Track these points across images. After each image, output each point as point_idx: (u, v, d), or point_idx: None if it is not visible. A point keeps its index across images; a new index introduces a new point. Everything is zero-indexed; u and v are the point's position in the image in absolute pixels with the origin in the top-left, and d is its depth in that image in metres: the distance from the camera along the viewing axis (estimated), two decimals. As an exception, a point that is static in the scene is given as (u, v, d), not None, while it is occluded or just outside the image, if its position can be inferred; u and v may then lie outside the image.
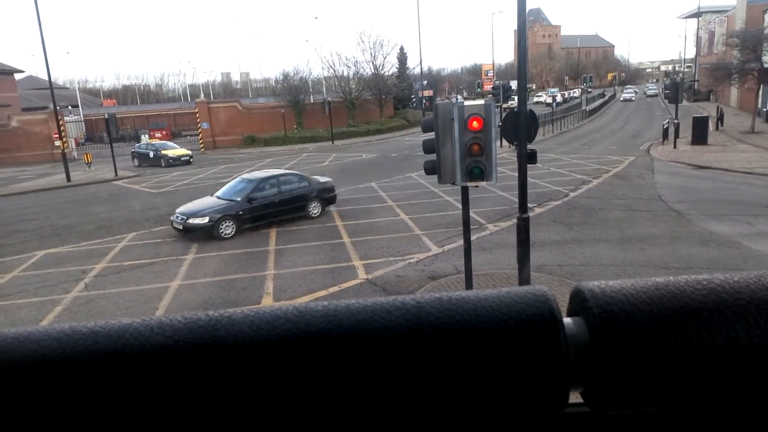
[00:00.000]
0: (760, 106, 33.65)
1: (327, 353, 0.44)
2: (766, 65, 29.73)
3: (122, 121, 51.10)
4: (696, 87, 60.39)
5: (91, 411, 0.43)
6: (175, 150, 33.39)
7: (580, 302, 0.48)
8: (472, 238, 8.56)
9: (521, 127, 7.85)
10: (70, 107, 47.93)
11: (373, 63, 50.72)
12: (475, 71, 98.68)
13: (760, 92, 32.41)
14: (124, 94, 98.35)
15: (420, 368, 0.44)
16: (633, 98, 67.80)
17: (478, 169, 6.59)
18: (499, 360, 0.44)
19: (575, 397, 0.48)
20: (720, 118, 32.40)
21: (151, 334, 0.45)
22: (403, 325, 0.45)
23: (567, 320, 0.47)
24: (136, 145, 36.77)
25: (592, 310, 0.46)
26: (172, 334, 0.45)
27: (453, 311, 0.46)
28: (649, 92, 73.98)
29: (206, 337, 0.45)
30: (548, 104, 47.54)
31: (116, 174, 28.35)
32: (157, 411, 0.44)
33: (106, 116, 30.86)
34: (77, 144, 44.04)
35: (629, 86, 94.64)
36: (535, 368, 0.44)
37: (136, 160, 33.61)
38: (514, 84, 31.58)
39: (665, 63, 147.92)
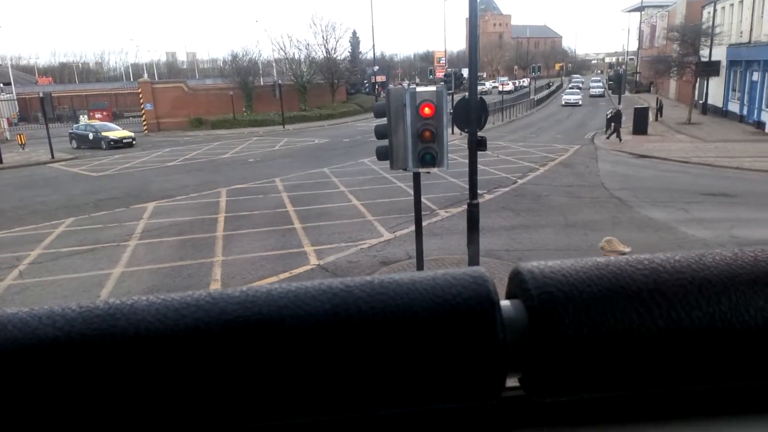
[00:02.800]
0: (696, 98, 35.31)
1: (243, 343, 0.40)
2: (703, 59, 31.16)
3: (59, 100, 48.69)
4: (638, 79, 62.66)
5: None
6: (116, 132, 32.09)
7: (518, 284, 0.46)
8: (424, 224, 8.61)
9: (472, 115, 7.93)
10: (2, 85, 45.29)
11: (325, 46, 50.13)
12: (428, 58, 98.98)
13: (697, 85, 33.99)
14: (61, 72, 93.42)
15: (348, 357, 0.41)
16: (580, 101, 49.55)
17: (429, 155, 6.62)
18: (432, 346, 0.42)
19: (513, 382, 0.46)
20: (659, 109, 33.79)
21: (38, 325, 0.41)
22: (328, 311, 0.41)
23: (505, 303, 0.45)
24: (75, 126, 35.08)
25: (530, 292, 0.44)
26: (63, 325, 0.41)
27: (384, 295, 0.43)
28: (593, 92, 59.21)
29: (103, 327, 0.41)
30: (500, 92, 48.10)
31: (53, 156, 26.97)
32: (41, 411, 0.39)
33: (41, 95, 29.35)
34: (10, 124, 41.88)
35: (575, 78, 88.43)
36: (470, 354, 0.42)
37: (74, 141, 32.10)
38: (466, 72, 31.93)
39: (610, 55, 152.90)
